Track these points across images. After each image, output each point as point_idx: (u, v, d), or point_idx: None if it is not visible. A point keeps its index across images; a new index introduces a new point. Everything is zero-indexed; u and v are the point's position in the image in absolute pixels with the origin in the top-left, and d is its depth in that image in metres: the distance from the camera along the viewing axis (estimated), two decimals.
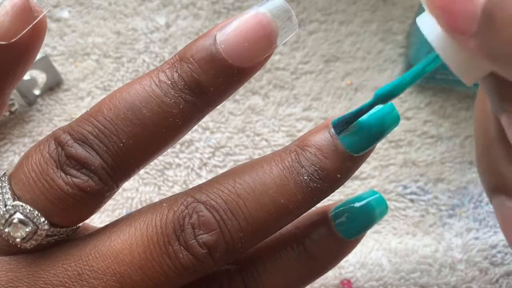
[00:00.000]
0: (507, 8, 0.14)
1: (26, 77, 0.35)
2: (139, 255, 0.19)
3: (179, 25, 0.38)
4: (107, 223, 0.21)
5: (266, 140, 0.36)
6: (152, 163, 0.34)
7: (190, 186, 0.23)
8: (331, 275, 0.31)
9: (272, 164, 0.20)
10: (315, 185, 0.20)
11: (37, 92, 0.36)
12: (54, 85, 0.36)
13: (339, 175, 0.20)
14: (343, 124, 0.20)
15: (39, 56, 0.34)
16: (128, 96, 0.19)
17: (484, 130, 0.20)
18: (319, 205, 0.21)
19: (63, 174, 0.19)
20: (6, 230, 0.19)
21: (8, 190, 0.19)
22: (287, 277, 0.22)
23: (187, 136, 0.35)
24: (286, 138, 0.36)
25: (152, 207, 0.20)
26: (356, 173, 0.26)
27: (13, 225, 0.19)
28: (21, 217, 0.19)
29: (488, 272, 0.32)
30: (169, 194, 0.34)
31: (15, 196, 0.19)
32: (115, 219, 0.21)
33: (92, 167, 0.19)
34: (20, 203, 0.19)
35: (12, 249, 0.20)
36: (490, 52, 0.15)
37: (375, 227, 0.34)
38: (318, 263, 0.23)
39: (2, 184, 0.19)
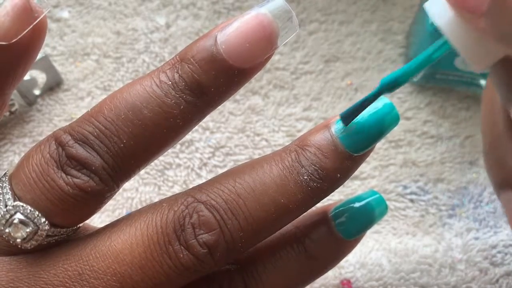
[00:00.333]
0: None
1: (26, 77, 0.35)
2: (139, 255, 0.19)
3: (179, 25, 0.38)
4: (108, 223, 0.21)
5: (266, 140, 0.36)
6: (152, 163, 0.34)
7: (190, 186, 0.23)
8: (331, 275, 0.31)
9: (272, 164, 0.20)
10: (315, 184, 0.20)
11: (37, 92, 0.36)
12: (54, 85, 0.36)
13: (339, 175, 0.20)
14: (350, 115, 0.20)
15: (39, 56, 0.34)
16: (129, 96, 0.19)
17: (492, 125, 0.20)
18: (319, 205, 0.21)
19: (63, 175, 0.19)
20: (7, 230, 0.19)
21: (8, 191, 0.19)
22: (287, 277, 0.22)
23: (187, 136, 0.35)
24: (286, 138, 0.36)
25: (152, 207, 0.20)
26: (356, 173, 0.26)
27: (13, 225, 0.19)
28: (22, 217, 0.19)
29: (488, 272, 0.32)
30: (169, 194, 0.34)
31: (16, 197, 0.19)
32: (115, 219, 0.21)
33: (93, 168, 0.19)
34: (21, 204, 0.19)
35: (12, 250, 0.20)
36: (500, 32, 0.14)
37: (375, 227, 0.34)
38: (318, 263, 0.23)
39: (2, 185, 0.19)
